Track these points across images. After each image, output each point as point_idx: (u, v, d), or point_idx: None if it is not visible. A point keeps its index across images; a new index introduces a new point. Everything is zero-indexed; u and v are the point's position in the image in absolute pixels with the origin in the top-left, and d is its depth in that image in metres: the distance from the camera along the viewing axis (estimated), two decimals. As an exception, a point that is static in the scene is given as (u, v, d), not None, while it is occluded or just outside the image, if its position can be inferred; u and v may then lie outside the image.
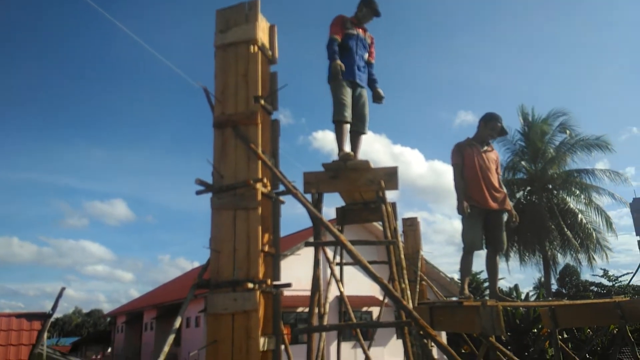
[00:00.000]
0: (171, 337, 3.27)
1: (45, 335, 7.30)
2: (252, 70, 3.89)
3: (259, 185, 3.68)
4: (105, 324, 48.91)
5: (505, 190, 5.18)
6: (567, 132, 21.02)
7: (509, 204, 5.12)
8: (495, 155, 5.30)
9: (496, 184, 5.05)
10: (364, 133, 4.81)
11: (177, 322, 3.34)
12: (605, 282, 28.54)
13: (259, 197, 3.66)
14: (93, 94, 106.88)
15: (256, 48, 3.94)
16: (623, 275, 28.17)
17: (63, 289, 6.79)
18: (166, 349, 3.16)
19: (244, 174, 3.70)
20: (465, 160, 5.03)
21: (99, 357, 32.08)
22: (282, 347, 4.00)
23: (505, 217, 5.08)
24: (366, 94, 4.92)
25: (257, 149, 3.70)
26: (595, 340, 19.59)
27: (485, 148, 5.18)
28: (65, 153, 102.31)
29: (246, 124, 3.76)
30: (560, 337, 5.68)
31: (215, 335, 3.44)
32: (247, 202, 3.64)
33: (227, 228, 3.64)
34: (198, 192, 3.73)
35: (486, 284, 27.31)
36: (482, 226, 4.87)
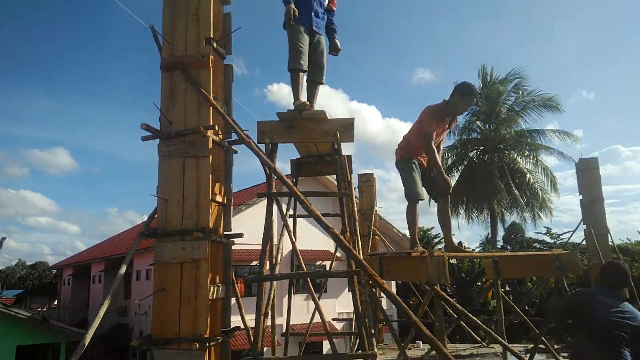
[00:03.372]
0: (116, 284, 3.18)
1: (-14, 286, 7.03)
2: (203, 8, 3.66)
3: (210, 133, 3.55)
4: (51, 277, 47.85)
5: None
6: (520, 92, 21.60)
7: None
8: (449, 124, 5.27)
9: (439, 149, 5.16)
10: (321, 83, 4.66)
11: (123, 269, 3.26)
12: (547, 239, 30.30)
13: (210, 145, 3.54)
14: (34, 38, 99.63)
15: (208, -15, 3.70)
16: (564, 233, 29.98)
17: (4, 238, 6.51)
18: (110, 296, 3.08)
19: (194, 121, 3.55)
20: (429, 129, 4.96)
21: (44, 309, 31.53)
22: (234, 299, 4.00)
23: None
24: (324, 41, 4.74)
25: (209, 95, 3.54)
26: (534, 293, 20.98)
27: (449, 119, 5.15)
28: (1, 99, 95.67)
29: (197, 67, 3.58)
30: (502, 289, 5.98)
31: (163, 283, 3.38)
32: (197, 150, 3.52)
33: (176, 176, 3.52)
34: (144, 138, 3.56)
35: (437, 240, 28.42)
36: (418, 175, 4.93)
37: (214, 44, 3.66)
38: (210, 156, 3.53)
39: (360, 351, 3.97)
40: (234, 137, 3.93)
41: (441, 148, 5.36)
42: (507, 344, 4.53)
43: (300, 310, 16.65)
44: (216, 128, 3.64)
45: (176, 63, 3.60)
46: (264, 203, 4.30)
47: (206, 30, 3.63)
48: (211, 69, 3.61)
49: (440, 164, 4.97)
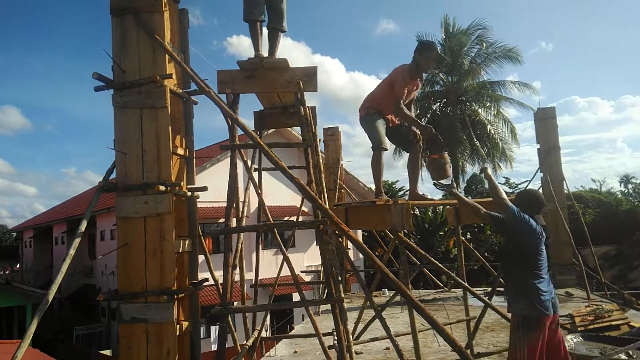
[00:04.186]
0: (77, 240, 3.10)
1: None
2: (153, -53, 3.41)
3: (167, 82, 3.40)
4: (11, 240, 46.58)
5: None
6: (483, 44, 21.68)
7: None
8: (418, 86, 5.30)
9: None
10: (281, 30, 4.50)
11: (83, 225, 3.17)
12: (507, 189, 31.52)
13: (168, 95, 3.40)
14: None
15: None
16: (522, 182, 31.23)
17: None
18: (71, 252, 3.00)
19: (150, 69, 3.38)
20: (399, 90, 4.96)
21: (6, 272, 30.88)
22: (202, 257, 3.98)
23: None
24: None
25: (164, 41, 3.37)
26: (493, 239, 21.92)
27: (417, 80, 5.18)
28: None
29: (149, 12, 3.38)
30: (463, 237, 6.18)
31: (126, 238, 3.32)
32: (154, 101, 3.38)
33: (133, 128, 3.38)
34: (97, 88, 3.38)
35: (401, 193, 29.02)
36: (383, 126, 4.98)
37: (168, -13, 3.45)
38: (169, 107, 3.40)
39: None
40: (193, 87, 3.79)
41: (412, 107, 5.38)
42: (468, 286, 4.73)
43: (269, 265, 16.89)
44: (173, 77, 3.49)
45: (127, 7, 3.38)
46: (228, 160, 4.22)
47: (158, -28, 3.41)
48: (165, 13, 3.42)
49: (414, 117, 5.13)
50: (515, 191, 29.06)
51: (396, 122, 5.22)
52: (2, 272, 30.47)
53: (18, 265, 33.15)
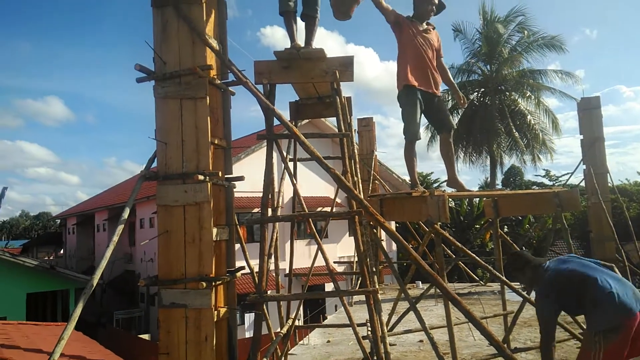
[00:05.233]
0: (120, 227, 3.20)
1: (-8, 235, 7.11)
2: (193, -60, 3.46)
3: (206, 73, 3.45)
4: (55, 227, 48.61)
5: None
6: (525, 32, 20.99)
7: (455, 92, 5.15)
8: (437, 36, 4.96)
9: (435, 67, 4.85)
10: (314, 16, 4.43)
11: (126, 213, 3.27)
12: (546, 181, 30.58)
13: (207, 85, 3.45)
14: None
15: None
16: (563, 175, 30.22)
17: (5, 188, 6.53)
18: (115, 238, 3.11)
19: (189, 61, 3.44)
20: (404, 37, 4.71)
21: (51, 257, 32.29)
22: (238, 245, 4.04)
23: (437, 100, 4.92)
24: None
25: (202, 33, 3.42)
26: (532, 233, 21.38)
27: (425, 27, 4.85)
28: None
29: (189, 3, 3.43)
30: (500, 230, 6.04)
31: (166, 226, 3.41)
32: (194, 91, 3.44)
33: (174, 118, 3.46)
34: (139, 80, 3.47)
35: (436, 184, 28.61)
36: (419, 111, 4.68)
37: (206, -21, 3.49)
38: (208, 97, 3.45)
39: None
40: (231, 77, 3.84)
41: (442, 55, 5.02)
42: (506, 279, 4.64)
43: (302, 256, 17.03)
44: (212, 68, 3.54)
45: (168, -1, 3.45)
46: (263, 150, 4.27)
47: (197, -36, 3.45)
48: (204, 4, 3.46)
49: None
50: (556, 184, 28.19)
51: (436, 92, 4.84)
52: (46, 258, 31.88)
53: (62, 251, 34.59)
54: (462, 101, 5.22)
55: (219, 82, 3.72)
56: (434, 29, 4.93)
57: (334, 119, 4.41)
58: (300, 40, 4.37)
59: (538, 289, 3.30)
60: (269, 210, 4.66)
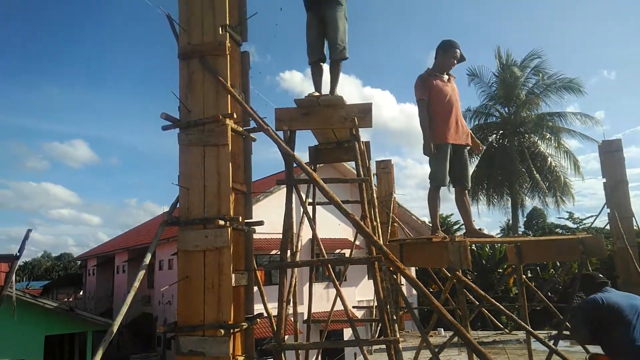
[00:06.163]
0: (141, 273, 3.23)
1: (14, 277, 7.20)
2: (219, -4, 3.64)
3: (228, 121, 3.55)
4: (75, 268, 49.04)
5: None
6: (541, 75, 21.10)
7: (471, 139, 5.12)
8: (455, 86, 5.07)
9: (461, 118, 4.96)
10: (338, 59, 4.54)
11: (147, 259, 3.30)
12: (570, 224, 29.82)
13: (229, 133, 3.55)
14: (46, 27, 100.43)
15: (223, -28, 3.68)
16: (587, 217, 29.45)
17: (29, 230, 6.65)
18: (136, 284, 3.13)
19: (213, 109, 3.56)
20: (433, 93, 4.81)
21: (70, 299, 32.39)
22: (255, 288, 4.03)
23: (466, 152, 5.02)
24: (331, 13, 4.50)
25: (226, 82, 3.54)
26: (557, 279, 20.71)
27: (448, 77, 4.98)
28: (17, 91, 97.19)
29: (214, 55, 3.58)
30: (524, 276, 5.89)
31: (186, 271, 3.42)
32: (217, 139, 3.53)
33: (197, 165, 3.54)
34: (164, 128, 3.58)
35: (457, 227, 28.21)
36: (448, 162, 4.76)
37: (230, 31, 3.65)
38: (230, 144, 3.54)
39: (382, 337, 3.97)
40: (252, 124, 3.93)
41: (458, 98, 5.04)
42: (531, 329, 4.48)
43: (320, 299, 16.76)
44: (235, 116, 3.64)
45: (193, 51, 3.60)
46: (282, 192, 4.31)
47: (222, 18, 3.62)
48: (228, 56, 3.61)
49: (426, 121, 4.74)
50: (580, 227, 27.52)
51: (462, 142, 4.92)
52: (66, 299, 32.01)
53: (81, 293, 34.74)
54: (479, 147, 5.25)
55: (241, 129, 3.81)
56: (454, 78, 5.05)
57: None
58: (325, 86, 4.50)
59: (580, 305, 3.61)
60: (288, 253, 4.66)
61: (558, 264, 22.27)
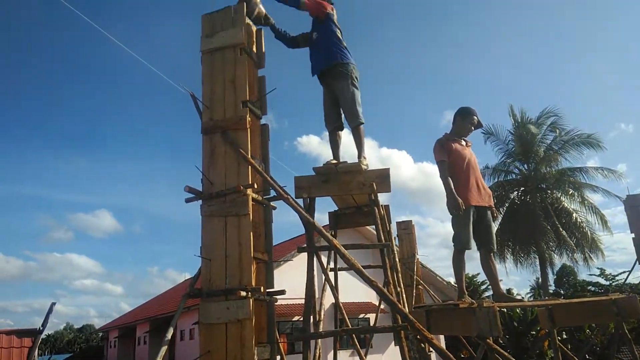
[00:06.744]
0: (163, 349, 3.19)
1: (37, 352, 7.15)
2: (239, 75, 3.85)
3: (249, 191, 3.62)
4: (97, 339, 48.46)
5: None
6: (558, 131, 21.11)
7: (492, 201, 5.08)
8: (472, 152, 5.15)
9: (482, 180, 4.99)
10: (352, 126, 4.64)
11: (169, 333, 3.27)
12: (602, 281, 28.55)
13: (250, 203, 3.61)
14: (73, 101, 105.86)
15: (243, 52, 3.91)
16: (620, 274, 28.23)
17: (53, 304, 6.68)
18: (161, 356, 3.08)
19: (234, 180, 3.65)
20: (452, 156, 4.85)
21: None
22: (278, 357, 3.92)
23: (489, 214, 4.98)
24: (338, 84, 4.63)
25: (247, 154, 3.65)
26: (594, 340, 19.59)
27: (465, 142, 5.07)
28: (45, 164, 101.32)
29: (235, 129, 3.72)
30: (559, 337, 5.62)
31: (208, 345, 3.37)
32: (238, 209, 3.59)
33: (218, 235, 3.58)
34: (188, 200, 3.67)
35: (484, 287, 27.29)
36: (471, 224, 4.70)
37: (250, 106, 3.81)
38: (251, 214, 3.59)
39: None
40: (273, 193, 4.00)
41: (476, 162, 5.11)
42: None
43: (345, 367, 16.09)
44: (255, 186, 3.72)
45: (216, 126, 3.76)
46: (302, 256, 4.30)
47: (242, 94, 3.80)
48: (248, 129, 3.74)
49: (448, 180, 4.71)
50: (613, 283, 26.37)
51: (485, 203, 4.88)
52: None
53: (102, 366, 34.12)
54: (495, 214, 5.17)
55: (261, 198, 3.88)
56: (471, 144, 5.16)
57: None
58: (345, 151, 4.62)
59: None
60: (311, 322, 4.56)
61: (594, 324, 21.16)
